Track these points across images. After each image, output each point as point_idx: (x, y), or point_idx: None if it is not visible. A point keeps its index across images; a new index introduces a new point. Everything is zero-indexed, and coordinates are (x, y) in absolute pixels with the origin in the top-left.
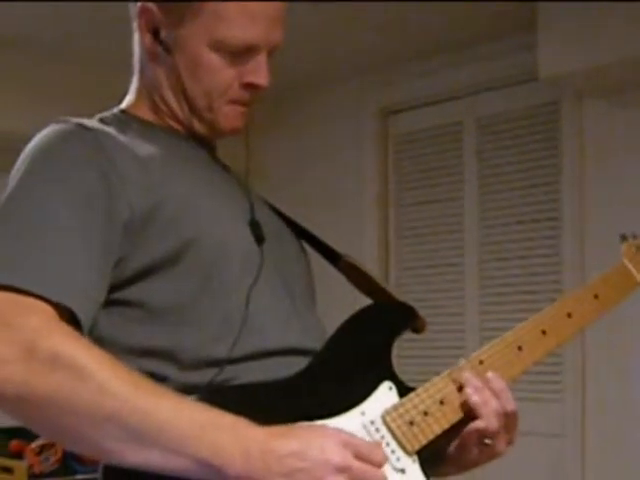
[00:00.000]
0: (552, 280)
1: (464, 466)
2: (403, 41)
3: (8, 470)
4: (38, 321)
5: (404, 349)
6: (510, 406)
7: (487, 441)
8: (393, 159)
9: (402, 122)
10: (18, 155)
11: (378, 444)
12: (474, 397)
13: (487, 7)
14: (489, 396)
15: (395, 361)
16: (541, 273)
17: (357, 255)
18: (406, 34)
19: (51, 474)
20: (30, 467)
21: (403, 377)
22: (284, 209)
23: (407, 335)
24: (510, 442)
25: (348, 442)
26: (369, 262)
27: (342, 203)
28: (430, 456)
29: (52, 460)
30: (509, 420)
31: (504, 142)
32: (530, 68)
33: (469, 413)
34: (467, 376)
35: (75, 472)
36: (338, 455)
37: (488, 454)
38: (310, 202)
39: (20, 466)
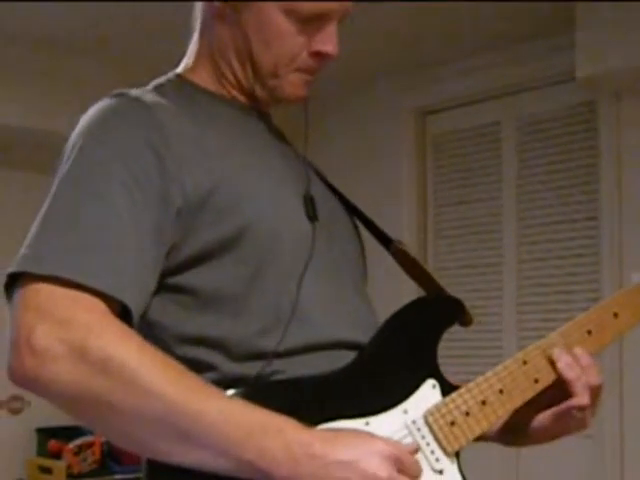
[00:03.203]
0: (590, 280)
1: (554, 437)
2: (441, 41)
3: (47, 470)
4: (89, 317)
5: (441, 349)
6: (597, 381)
7: (577, 414)
8: (431, 159)
9: (440, 122)
10: (51, 154)
11: (412, 451)
12: (570, 373)
13: (525, 7)
14: (580, 372)
15: None
16: (579, 273)
17: None
18: (444, 34)
19: (89, 474)
20: (69, 467)
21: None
22: None
23: (445, 334)
24: (594, 414)
25: (395, 456)
26: None
27: (380, 203)
28: (507, 428)
29: (90, 460)
30: (595, 394)
31: (542, 142)
32: (568, 68)
33: (562, 386)
34: (558, 352)
35: (113, 472)
36: (384, 470)
37: (577, 426)
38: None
39: (59, 466)
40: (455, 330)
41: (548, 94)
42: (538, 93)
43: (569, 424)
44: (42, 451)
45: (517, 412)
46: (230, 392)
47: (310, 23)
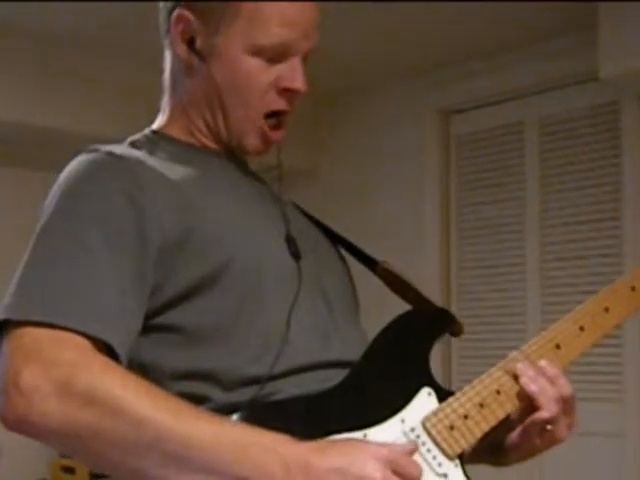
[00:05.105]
0: (614, 280)
1: (526, 454)
2: (464, 41)
3: (70, 470)
4: (74, 355)
5: (465, 349)
6: (567, 391)
7: (548, 427)
8: (454, 159)
9: (463, 122)
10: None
11: (409, 450)
12: (531, 386)
13: (548, 6)
14: (545, 383)
15: (455, 361)
16: (602, 273)
17: (418, 255)
18: (466, 34)
19: None
20: None
21: (464, 377)
22: (345, 209)
23: (468, 335)
24: (570, 426)
25: (389, 458)
26: (430, 262)
27: (403, 203)
28: (489, 448)
29: None
30: (567, 405)
31: (565, 142)
32: (591, 68)
33: (527, 403)
34: (520, 367)
35: None
36: (379, 472)
37: (550, 440)
38: (371, 202)
39: (82, 466)
40: (479, 330)
41: (571, 94)
42: (561, 93)
43: (539, 440)
44: None
45: (493, 431)
46: (234, 417)
47: (274, 60)
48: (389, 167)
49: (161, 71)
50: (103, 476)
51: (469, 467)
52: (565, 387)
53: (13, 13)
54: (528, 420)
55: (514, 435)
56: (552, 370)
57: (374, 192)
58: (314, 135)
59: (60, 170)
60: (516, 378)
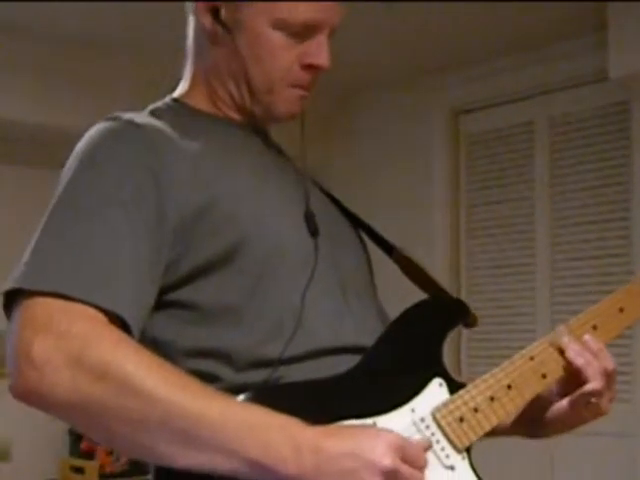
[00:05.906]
0: (624, 280)
1: (571, 426)
2: (474, 41)
3: (79, 470)
4: (86, 327)
5: (474, 349)
6: (610, 364)
7: (593, 400)
8: (464, 159)
9: (473, 122)
10: (70, 151)
11: (422, 446)
12: (579, 360)
13: (558, 7)
14: (590, 357)
15: (465, 360)
16: (612, 273)
17: (428, 254)
18: (477, 34)
19: (122, 474)
20: (101, 467)
21: (473, 377)
22: (354, 208)
23: (477, 335)
24: (612, 400)
25: (398, 445)
26: (440, 261)
27: (413, 203)
28: (527, 422)
29: (123, 460)
30: (610, 378)
31: (575, 142)
32: (601, 68)
33: (574, 374)
34: (566, 341)
35: (146, 472)
36: (388, 458)
37: (595, 412)
38: (381, 201)
39: (91, 466)
40: (488, 330)
41: (581, 94)
42: (571, 93)
43: (585, 412)
44: (74, 451)
45: (533, 404)
46: (241, 397)
47: (300, 36)
48: (399, 166)
49: (162, 69)
50: (112, 476)
51: (475, 462)
52: (609, 361)
53: (14, 13)
54: (577, 393)
55: (560, 408)
56: (596, 344)
57: (384, 191)
58: (325, 133)
59: (61, 168)
60: (562, 352)
